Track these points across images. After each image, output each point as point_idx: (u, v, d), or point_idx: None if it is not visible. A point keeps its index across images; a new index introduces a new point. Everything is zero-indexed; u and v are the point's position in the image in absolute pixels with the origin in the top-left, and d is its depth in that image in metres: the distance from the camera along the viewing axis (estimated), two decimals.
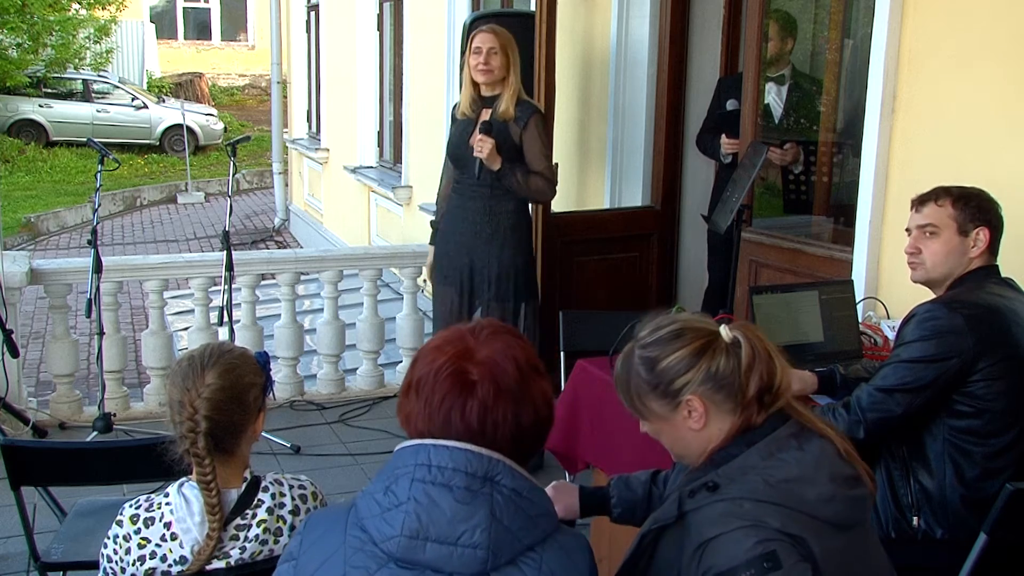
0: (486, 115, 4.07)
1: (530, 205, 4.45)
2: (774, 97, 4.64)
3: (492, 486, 1.48)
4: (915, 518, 2.41)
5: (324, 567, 1.50)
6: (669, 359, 1.69)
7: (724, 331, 1.71)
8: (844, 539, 1.60)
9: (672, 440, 1.76)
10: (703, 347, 1.69)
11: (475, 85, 4.14)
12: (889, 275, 3.57)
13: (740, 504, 1.57)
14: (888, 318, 3.28)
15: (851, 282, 3.28)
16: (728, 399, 1.68)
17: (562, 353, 3.83)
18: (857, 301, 3.20)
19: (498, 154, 4.04)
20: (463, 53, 5.10)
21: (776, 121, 4.66)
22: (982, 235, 2.45)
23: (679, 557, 1.61)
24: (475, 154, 4.05)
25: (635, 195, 5.35)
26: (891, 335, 3.08)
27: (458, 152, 4.20)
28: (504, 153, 4.07)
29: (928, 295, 2.55)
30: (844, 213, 4.21)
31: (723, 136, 4.62)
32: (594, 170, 5.66)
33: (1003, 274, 2.52)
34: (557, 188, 4.34)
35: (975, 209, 2.45)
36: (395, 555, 1.46)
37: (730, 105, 4.70)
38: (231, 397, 1.89)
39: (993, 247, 2.48)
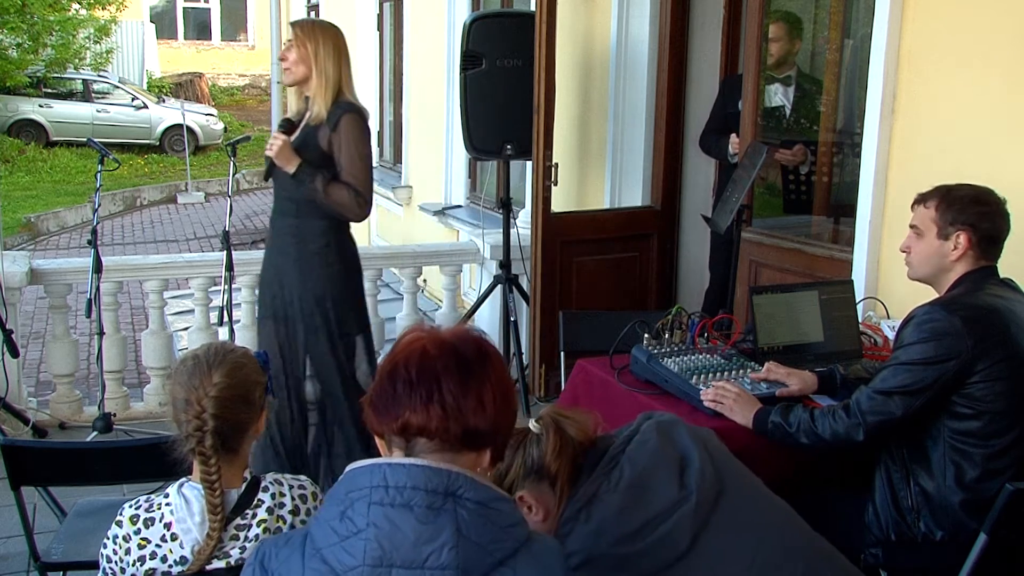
0: (303, 122, 3.56)
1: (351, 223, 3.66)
2: (781, 97, 4.64)
3: (455, 501, 1.41)
4: (915, 520, 2.41)
5: None
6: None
7: (531, 424, 1.81)
8: (690, 558, 1.68)
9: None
10: (515, 445, 1.80)
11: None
12: (889, 275, 3.57)
13: None
14: (888, 318, 3.28)
15: (851, 282, 3.28)
16: (547, 485, 1.78)
17: (562, 353, 3.83)
18: (857, 301, 3.20)
19: (297, 155, 3.45)
20: (463, 53, 5.11)
21: (785, 122, 4.66)
22: (962, 238, 2.43)
23: None
24: (266, 152, 3.51)
25: (635, 195, 5.35)
26: (891, 335, 3.08)
27: (268, 164, 3.57)
28: (308, 159, 3.46)
29: (928, 294, 2.55)
30: (844, 213, 4.21)
31: (733, 135, 4.61)
32: (594, 170, 5.66)
33: (1003, 274, 2.52)
34: (370, 209, 3.56)
35: (956, 211, 2.44)
36: None
37: (742, 105, 4.70)
38: (238, 396, 1.90)
39: (983, 249, 2.44)
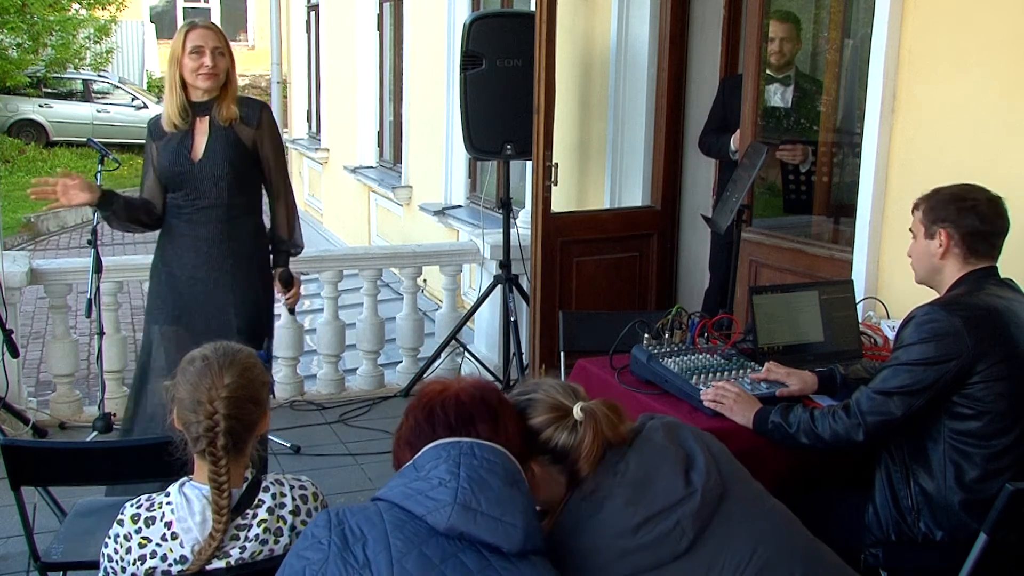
0: (203, 125, 3.40)
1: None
2: (780, 97, 4.64)
3: (520, 485, 1.63)
4: (915, 520, 2.41)
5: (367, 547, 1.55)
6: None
7: (576, 410, 1.83)
8: (673, 571, 1.70)
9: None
10: (551, 420, 1.82)
11: (185, 90, 3.39)
12: (889, 275, 3.57)
13: None
14: (888, 318, 3.28)
15: (851, 282, 3.28)
16: (563, 472, 1.81)
17: (562, 353, 3.83)
18: (857, 301, 3.20)
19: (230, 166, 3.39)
20: (463, 53, 5.11)
21: (783, 122, 4.66)
22: (943, 235, 2.45)
23: None
24: None
25: (635, 195, 5.35)
26: (891, 335, 3.08)
27: (179, 170, 3.40)
28: (234, 165, 3.40)
29: (927, 295, 2.55)
30: (844, 213, 4.21)
31: (737, 132, 4.58)
32: (594, 170, 5.66)
33: (1004, 275, 2.52)
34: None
35: (937, 210, 2.47)
36: (443, 525, 1.53)
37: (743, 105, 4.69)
38: (248, 396, 1.91)
39: (969, 246, 2.44)
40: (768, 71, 4.52)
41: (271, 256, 3.64)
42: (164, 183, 3.47)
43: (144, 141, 3.62)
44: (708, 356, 2.91)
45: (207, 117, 3.41)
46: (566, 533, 1.75)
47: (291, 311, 3.60)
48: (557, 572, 1.64)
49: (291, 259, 3.70)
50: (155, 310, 3.56)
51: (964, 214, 2.44)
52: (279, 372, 5.20)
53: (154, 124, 3.49)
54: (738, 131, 4.57)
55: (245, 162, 3.44)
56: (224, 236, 3.45)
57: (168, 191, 3.48)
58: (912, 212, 2.57)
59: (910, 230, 2.57)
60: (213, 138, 3.40)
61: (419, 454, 1.66)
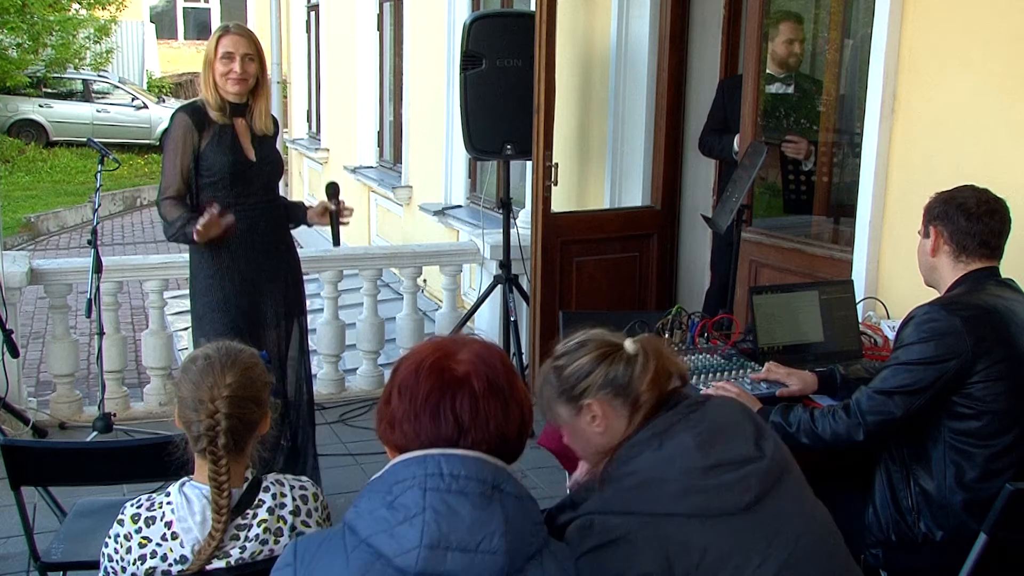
0: (241, 126, 3.50)
1: None
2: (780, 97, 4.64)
3: (501, 494, 1.49)
4: (915, 521, 2.41)
5: None
6: (573, 365, 1.82)
7: (628, 343, 1.82)
8: (736, 523, 1.66)
9: (581, 446, 1.88)
10: (603, 355, 1.81)
11: (217, 90, 3.47)
12: (889, 275, 3.57)
13: (590, 521, 1.69)
14: (888, 318, 3.28)
15: (851, 282, 3.28)
16: (625, 405, 1.79)
17: None
18: (857, 301, 3.21)
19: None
20: (463, 53, 5.11)
21: (784, 121, 4.66)
22: (933, 233, 2.51)
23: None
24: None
25: (635, 195, 5.35)
26: (891, 335, 3.08)
27: (239, 169, 3.49)
28: (276, 171, 3.68)
29: (928, 295, 2.56)
30: (844, 213, 4.21)
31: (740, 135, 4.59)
32: (594, 170, 5.66)
33: (1004, 275, 2.52)
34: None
35: (930, 210, 2.54)
36: (413, 569, 1.42)
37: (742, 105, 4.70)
38: (250, 396, 1.92)
39: (960, 245, 2.46)
40: (769, 71, 4.52)
41: (302, 208, 3.87)
42: (215, 178, 3.47)
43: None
44: (708, 356, 2.91)
45: (242, 120, 3.51)
46: (630, 462, 1.73)
47: (338, 225, 3.67)
48: (569, 562, 1.59)
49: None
50: (217, 310, 3.56)
51: (952, 212, 2.48)
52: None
53: (196, 112, 3.47)
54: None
55: (277, 175, 3.72)
56: (278, 225, 3.68)
57: (212, 188, 3.48)
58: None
59: (918, 232, 2.61)
60: (257, 141, 3.55)
61: (391, 465, 1.53)
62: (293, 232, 3.85)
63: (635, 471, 1.71)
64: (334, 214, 3.65)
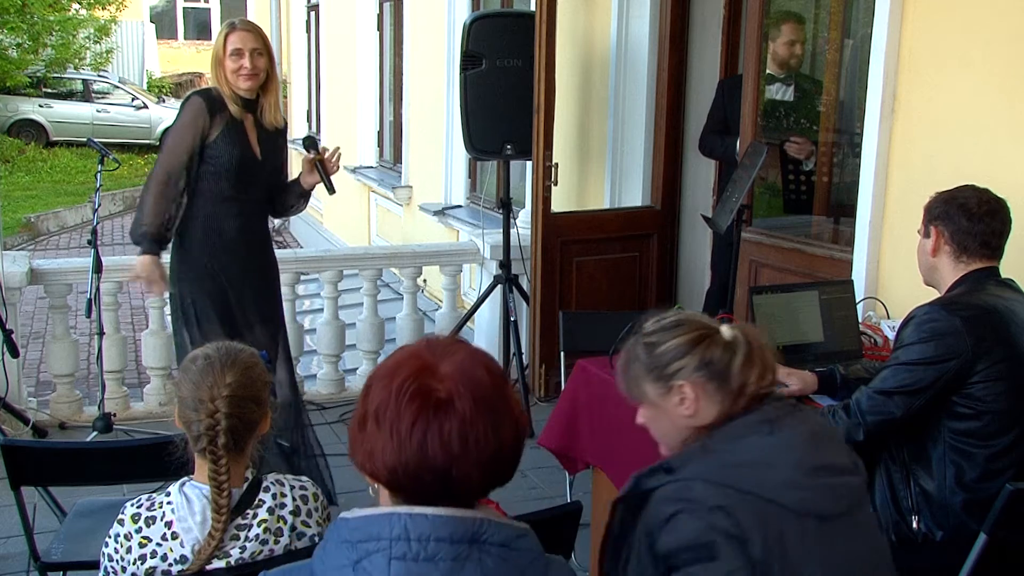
0: (249, 122, 3.50)
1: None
2: (780, 98, 4.64)
3: (480, 549, 1.33)
4: (915, 521, 2.41)
5: None
6: (667, 344, 1.78)
7: (725, 328, 1.78)
8: (816, 528, 1.63)
9: (662, 426, 1.83)
10: (700, 337, 1.76)
11: (229, 87, 3.47)
12: (889, 275, 3.57)
13: (690, 485, 1.63)
14: (888, 318, 3.28)
15: (851, 282, 3.28)
16: (719, 390, 1.74)
17: (562, 353, 3.83)
18: (857, 301, 3.21)
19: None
20: (463, 53, 5.11)
21: (784, 121, 4.66)
22: (933, 233, 2.51)
23: (636, 530, 1.68)
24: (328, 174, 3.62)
25: (635, 195, 5.35)
26: (891, 335, 3.08)
27: (247, 165, 3.50)
28: (279, 169, 3.69)
29: (927, 295, 2.56)
30: (844, 213, 4.21)
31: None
32: (594, 170, 5.66)
33: (1004, 275, 2.52)
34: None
35: (930, 210, 2.54)
36: None
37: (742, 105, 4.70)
38: (250, 396, 1.92)
39: (959, 244, 2.46)
40: (770, 71, 4.52)
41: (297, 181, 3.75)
42: (218, 170, 3.46)
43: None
44: None
45: (252, 116, 3.51)
46: (738, 440, 1.70)
47: (328, 173, 3.59)
48: None
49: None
50: (204, 300, 3.58)
51: (953, 212, 2.47)
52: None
53: (211, 99, 3.47)
54: None
55: (280, 171, 3.71)
56: (264, 227, 3.77)
57: (213, 177, 3.48)
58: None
59: (918, 232, 2.61)
60: (264, 138, 3.54)
61: (358, 517, 1.36)
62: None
63: (744, 449, 1.68)
64: (319, 164, 3.59)
